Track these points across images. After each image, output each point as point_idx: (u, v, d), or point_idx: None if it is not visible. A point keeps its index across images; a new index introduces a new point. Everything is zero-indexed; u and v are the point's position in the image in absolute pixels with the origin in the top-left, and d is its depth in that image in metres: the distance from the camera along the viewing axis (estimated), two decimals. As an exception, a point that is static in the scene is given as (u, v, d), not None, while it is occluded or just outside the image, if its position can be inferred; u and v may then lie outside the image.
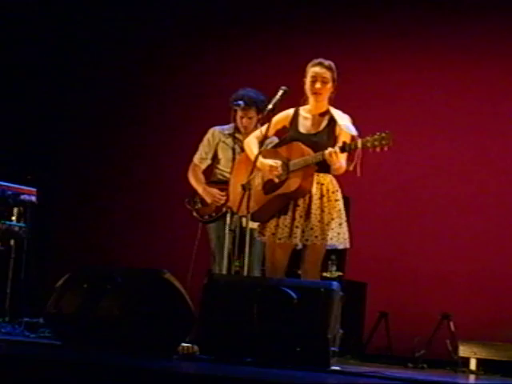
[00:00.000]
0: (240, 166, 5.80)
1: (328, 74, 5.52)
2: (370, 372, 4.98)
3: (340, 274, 7.07)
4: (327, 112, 5.57)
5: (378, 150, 5.19)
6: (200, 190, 6.32)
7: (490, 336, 6.91)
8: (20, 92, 8.59)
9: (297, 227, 5.41)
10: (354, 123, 5.45)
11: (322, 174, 5.47)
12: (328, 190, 5.47)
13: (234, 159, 6.05)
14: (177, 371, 3.96)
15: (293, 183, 5.43)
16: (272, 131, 5.69)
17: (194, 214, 6.34)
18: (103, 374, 3.63)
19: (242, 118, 6.22)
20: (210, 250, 6.25)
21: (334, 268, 7.04)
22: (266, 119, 5.63)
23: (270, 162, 5.52)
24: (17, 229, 7.06)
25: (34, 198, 7.16)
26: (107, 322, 4.79)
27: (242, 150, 5.94)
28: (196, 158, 6.44)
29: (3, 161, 7.81)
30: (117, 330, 4.75)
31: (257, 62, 8.42)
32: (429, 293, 7.53)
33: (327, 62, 5.55)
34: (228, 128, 6.32)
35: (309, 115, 5.62)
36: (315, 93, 5.54)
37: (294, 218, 5.44)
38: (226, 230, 5.86)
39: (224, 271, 5.83)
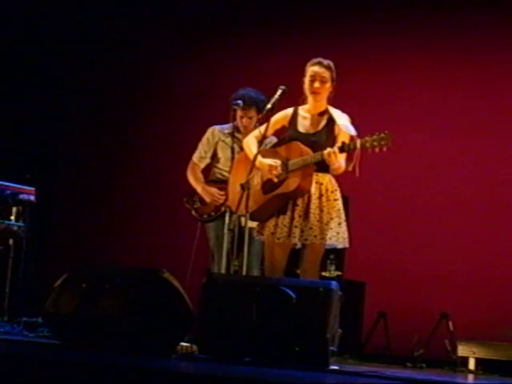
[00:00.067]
0: (239, 165, 5.79)
1: (327, 74, 5.51)
2: (368, 371, 4.97)
3: (339, 273, 7.07)
4: (326, 111, 5.56)
5: (377, 150, 5.17)
6: (199, 189, 6.31)
7: (488, 335, 6.91)
8: (19, 91, 8.59)
9: (296, 227, 5.40)
10: (353, 123, 5.44)
11: (320, 174, 5.46)
12: (327, 190, 5.46)
13: (233, 158, 6.03)
14: (176, 371, 3.95)
15: (292, 183, 5.41)
16: (271, 131, 5.67)
17: (193, 213, 6.33)
18: (102, 374, 3.62)
19: (241, 117, 6.21)
20: (209, 249, 6.24)
21: (333, 267, 7.04)
22: (265, 119, 5.62)
23: (269, 161, 5.51)
24: (16, 228, 7.06)
25: (32, 198, 7.15)
26: (106, 322, 4.79)
27: (242, 149, 5.91)
28: (195, 157, 6.42)
29: (2, 160, 7.80)
30: (115, 330, 4.75)
31: (257, 61, 8.42)
32: (428, 292, 7.53)
33: (326, 62, 5.54)
34: (228, 127, 6.30)
35: (308, 115, 5.61)
36: (314, 92, 5.52)
37: (292, 218, 5.43)
38: (225, 230, 5.87)
39: (223, 270, 5.83)
